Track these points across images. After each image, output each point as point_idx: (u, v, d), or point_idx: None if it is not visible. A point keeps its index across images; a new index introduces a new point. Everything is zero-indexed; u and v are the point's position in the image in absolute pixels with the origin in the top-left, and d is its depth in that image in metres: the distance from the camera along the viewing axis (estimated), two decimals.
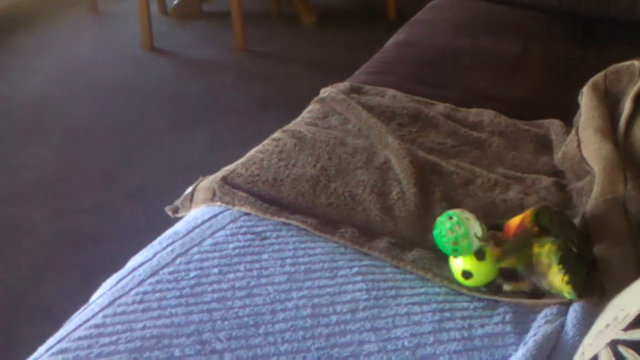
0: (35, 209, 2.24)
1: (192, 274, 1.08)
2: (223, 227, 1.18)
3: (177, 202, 1.34)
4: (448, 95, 1.61)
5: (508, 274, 1.04)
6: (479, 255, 1.02)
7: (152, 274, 1.08)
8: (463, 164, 1.34)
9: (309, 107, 1.57)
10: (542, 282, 1.00)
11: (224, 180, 1.28)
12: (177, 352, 0.94)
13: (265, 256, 1.11)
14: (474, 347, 0.94)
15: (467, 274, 1.03)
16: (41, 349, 1.00)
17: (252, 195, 1.25)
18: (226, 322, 0.99)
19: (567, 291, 0.97)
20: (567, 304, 0.98)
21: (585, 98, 1.39)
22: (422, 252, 1.12)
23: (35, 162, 2.48)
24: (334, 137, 1.38)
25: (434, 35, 1.97)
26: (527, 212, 1.04)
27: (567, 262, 0.97)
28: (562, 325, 0.94)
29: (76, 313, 1.07)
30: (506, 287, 1.03)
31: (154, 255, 1.13)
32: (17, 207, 2.26)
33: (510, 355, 0.93)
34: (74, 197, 2.30)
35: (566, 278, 0.96)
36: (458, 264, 1.04)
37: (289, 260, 1.10)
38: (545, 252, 0.99)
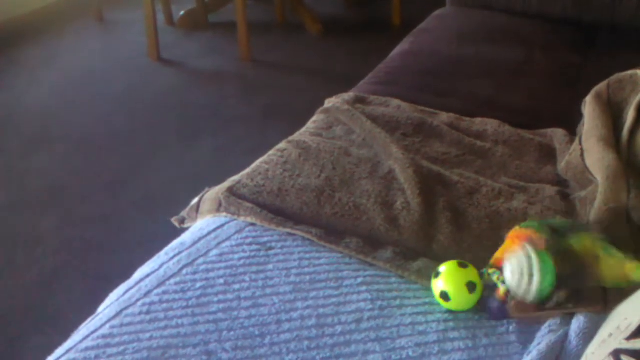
0: (42, 219, 2.25)
1: (198, 285, 1.09)
2: (229, 238, 1.19)
3: (184, 213, 1.35)
4: (452, 104, 1.62)
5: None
6: (470, 287, 1.01)
7: (159, 285, 1.09)
8: (467, 173, 1.35)
9: (314, 118, 1.58)
10: (588, 279, 0.98)
11: (230, 191, 1.29)
12: None
13: (270, 266, 1.12)
14: (479, 357, 0.95)
15: (445, 296, 1.02)
16: (50, 359, 1.01)
17: (257, 205, 1.26)
18: (232, 333, 1.00)
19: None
20: (571, 314, 0.98)
21: (589, 107, 1.40)
22: (426, 262, 1.12)
23: (41, 172, 2.50)
24: (339, 148, 1.39)
25: (438, 44, 1.98)
26: (518, 233, 1.02)
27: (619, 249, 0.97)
28: (566, 335, 0.95)
29: (84, 324, 1.08)
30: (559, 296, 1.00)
31: (161, 266, 1.14)
32: (23, 216, 2.28)
33: None
34: (80, 206, 2.31)
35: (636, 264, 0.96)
36: (438, 285, 1.03)
37: (294, 271, 1.11)
38: (587, 246, 0.99)
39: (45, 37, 3.59)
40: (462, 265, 1.03)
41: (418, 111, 1.57)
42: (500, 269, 1.00)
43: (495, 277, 0.99)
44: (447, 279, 1.02)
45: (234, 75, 3.20)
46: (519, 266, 0.95)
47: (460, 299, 1.01)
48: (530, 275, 0.93)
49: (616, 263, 0.98)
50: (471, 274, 1.02)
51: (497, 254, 1.03)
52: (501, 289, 0.98)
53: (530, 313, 0.99)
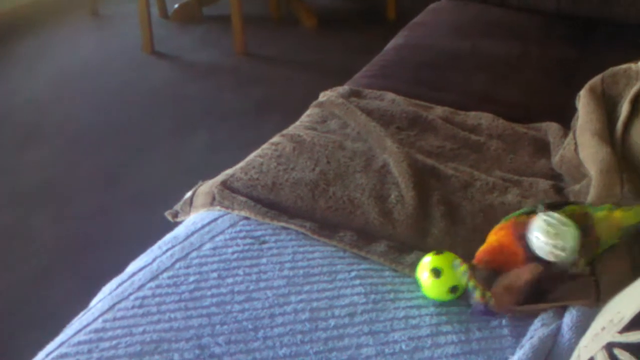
0: (36, 213, 2.25)
1: (191, 279, 1.08)
2: (222, 232, 1.19)
3: (177, 207, 1.35)
4: (447, 98, 1.62)
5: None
6: (435, 273, 1.01)
7: (152, 279, 1.09)
8: (461, 167, 1.35)
9: (308, 111, 1.58)
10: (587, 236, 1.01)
11: (224, 184, 1.29)
12: (176, 357, 0.95)
13: (264, 260, 1.12)
14: (471, 350, 0.95)
15: (418, 282, 1.04)
16: (41, 354, 1.00)
17: (251, 199, 1.25)
18: (225, 327, 0.99)
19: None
20: (564, 307, 0.98)
21: (583, 101, 1.39)
22: (420, 255, 1.12)
23: (35, 166, 2.49)
24: (333, 141, 1.39)
25: (433, 38, 1.97)
26: (501, 226, 1.04)
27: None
28: (559, 328, 0.95)
29: (76, 318, 1.07)
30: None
31: (154, 260, 1.13)
32: (17, 211, 2.27)
33: (507, 358, 0.94)
34: (74, 201, 2.31)
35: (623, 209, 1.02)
36: (417, 272, 1.05)
37: (287, 265, 1.10)
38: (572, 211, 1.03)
39: (40, 30, 3.57)
40: (437, 252, 1.05)
41: (413, 105, 1.56)
42: (473, 267, 0.99)
43: (464, 280, 0.98)
44: (419, 266, 1.04)
45: (229, 68, 3.19)
46: (540, 229, 0.97)
47: (427, 284, 1.03)
48: (556, 234, 0.96)
49: (605, 215, 1.03)
50: (441, 260, 1.02)
51: (479, 252, 1.03)
52: (477, 294, 0.97)
53: (512, 307, 0.98)
